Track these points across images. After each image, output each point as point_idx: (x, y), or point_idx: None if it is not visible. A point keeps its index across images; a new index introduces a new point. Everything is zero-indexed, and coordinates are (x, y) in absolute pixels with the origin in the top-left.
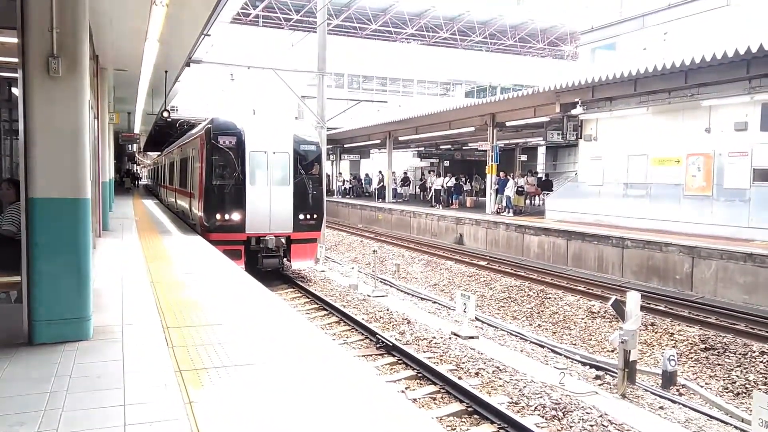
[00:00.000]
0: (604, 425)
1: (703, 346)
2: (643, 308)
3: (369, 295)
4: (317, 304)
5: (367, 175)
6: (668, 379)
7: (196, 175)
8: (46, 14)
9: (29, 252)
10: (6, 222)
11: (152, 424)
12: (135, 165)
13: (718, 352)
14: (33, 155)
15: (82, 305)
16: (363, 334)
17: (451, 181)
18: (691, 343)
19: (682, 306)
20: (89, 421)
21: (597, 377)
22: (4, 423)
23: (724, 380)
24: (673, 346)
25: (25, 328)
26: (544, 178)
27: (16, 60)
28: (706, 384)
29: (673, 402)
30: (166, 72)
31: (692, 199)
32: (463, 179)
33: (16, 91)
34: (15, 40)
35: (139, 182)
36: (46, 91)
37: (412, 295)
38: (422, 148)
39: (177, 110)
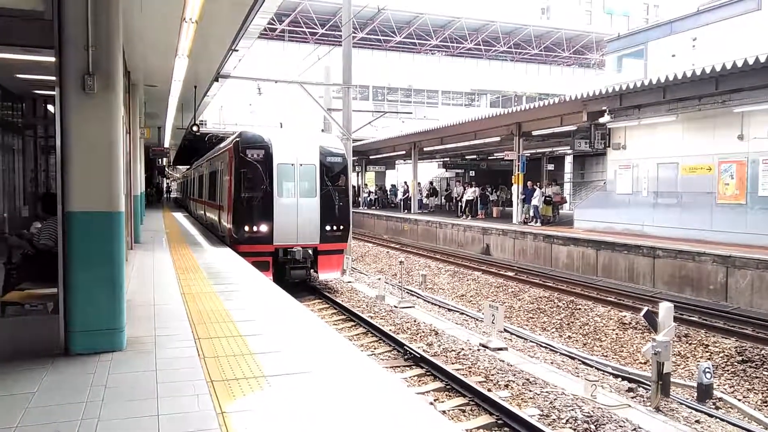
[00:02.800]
0: None
1: (740, 358)
2: (676, 319)
3: (396, 306)
4: (344, 315)
5: (393, 185)
6: (704, 392)
7: (225, 188)
8: (82, 34)
9: (65, 264)
10: (44, 236)
11: None
12: (164, 178)
13: (756, 365)
14: (69, 170)
15: (117, 316)
16: (390, 345)
17: (477, 192)
18: (727, 355)
19: (717, 317)
20: (124, 430)
21: (630, 390)
22: (45, 429)
23: (763, 393)
24: (709, 358)
25: (61, 338)
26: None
27: (52, 78)
28: (744, 398)
29: (710, 416)
30: (195, 87)
31: (725, 208)
32: (489, 189)
33: (52, 108)
34: (51, 59)
35: (165, 195)
36: (82, 108)
37: (440, 306)
38: (447, 159)
39: (206, 124)
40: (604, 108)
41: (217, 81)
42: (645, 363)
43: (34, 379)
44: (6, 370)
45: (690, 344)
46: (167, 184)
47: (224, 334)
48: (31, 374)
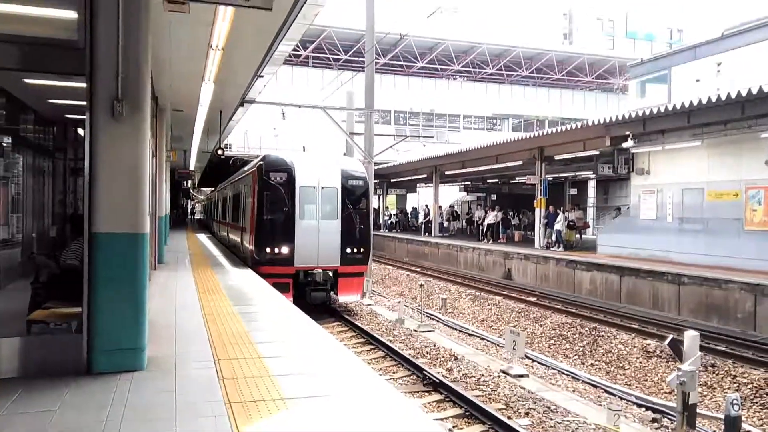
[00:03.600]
0: None
1: None
2: (702, 348)
3: (415, 330)
4: (364, 338)
5: (414, 208)
6: (731, 425)
7: (248, 210)
8: (113, 62)
9: (90, 284)
10: (70, 256)
11: None
12: (189, 200)
13: None
14: (96, 192)
15: (139, 336)
16: (409, 370)
17: (499, 215)
18: (756, 387)
19: (745, 347)
20: None
21: (654, 420)
22: None
23: None
24: (737, 389)
25: (84, 357)
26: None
27: (83, 103)
28: None
29: None
30: (220, 111)
31: (753, 234)
32: (511, 213)
33: (82, 132)
34: (82, 85)
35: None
36: (111, 132)
37: (460, 331)
38: (468, 182)
39: (230, 148)
40: (627, 133)
41: (242, 106)
42: (670, 393)
43: (56, 397)
44: (30, 387)
45: (717, 374)
46: (191, 205)
47: (244, 355)
48: (53, 392)
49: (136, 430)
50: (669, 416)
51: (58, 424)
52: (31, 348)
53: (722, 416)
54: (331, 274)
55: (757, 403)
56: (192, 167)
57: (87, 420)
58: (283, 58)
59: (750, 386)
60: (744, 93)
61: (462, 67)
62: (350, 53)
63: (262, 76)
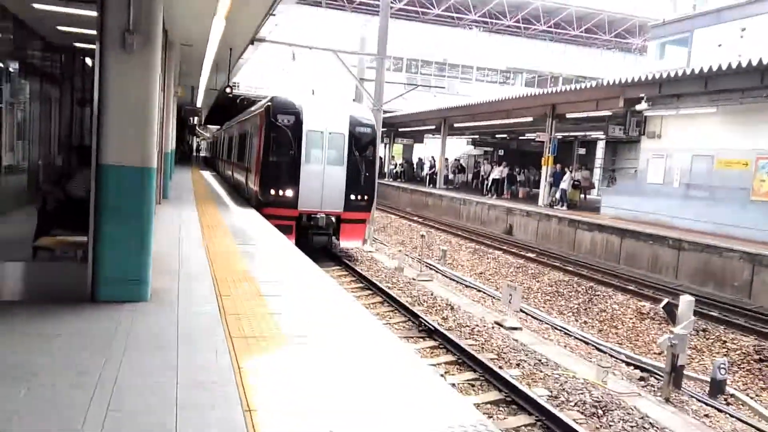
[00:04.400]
0: (644, 427)
1: (757, 357)
2: (695, 313)
3: (414, 279)
4: (362, 283)
5: (420, 159)
6: (717, 388)
7: (254, 151)
8: None
9: (96, 215)
10: (77, 186)
11: (202, 385)
12: (195, 137)
13: None
14: (105, 125)
15: (143, 268)
16: (406, 316)
17: (505, 171)
18: (744, 353)
19: (738, 314)
20: (144, 378)
21: (641, 378)
22: (68, 371)
23: None
24: (725, 355)
25: (88, 286)
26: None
27: (93, 32)
28: (756, 396)
29: (720, 411)
30: (231, 49)
31: (759, 205)
32: (517, 170)
33: (91, 61)
34: (92, 14)
35: (195, 154)
36: (121, 64)
37: (458, 282)
38: (477, 136)
39: (238, 87)
40: (642, 95)
41: (253, 44)
42: (659, 354)
43: (61, 322)
44: (35, 311)
45: (707, 339)
46: (197, 143)
47: (245, 293)
48: (58, 317)
49: (138, 359)
50: (656, 375)
51: (63, 348)
52: (36, 273)
53: (708, 379)
54: (333, 219)
55: (743, 368)
56: (199, 104)
57: (90, 347)
58: None
59: (738, 352)
60: (765, 61)
61: (478, 17)
62: None
63: (274, 15)
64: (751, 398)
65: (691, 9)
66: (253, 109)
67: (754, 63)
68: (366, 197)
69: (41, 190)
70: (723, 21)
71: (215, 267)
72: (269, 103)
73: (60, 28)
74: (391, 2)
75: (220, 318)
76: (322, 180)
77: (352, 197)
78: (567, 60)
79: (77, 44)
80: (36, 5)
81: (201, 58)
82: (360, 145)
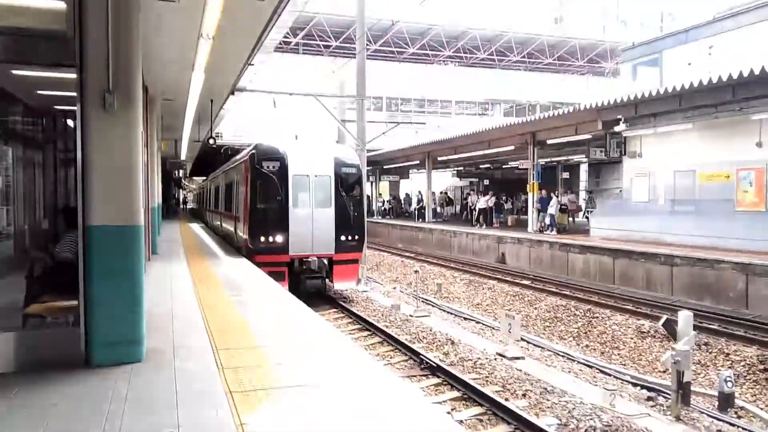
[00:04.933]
0: None
1: (762, 366)
2: (695, 327)
3: (411, 316)
4: (360, 324)
5: (407, 194)
6: (725, 401)
7: (241, 199)
8: (103, 53)
9: (86, 277)
10: (64, 249)
11: None
12: (181, 190)
13: None
14: (90, 185)
15: (136, 328)
16: (407, 355)
17: (491, 200)
18: (748, 364)
19: (738, 325)
20: None
21: (649, 398)
22: None
23: None
24: (730, 367)
25: (82, 350)
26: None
27: (72, 94)
28: (767, 406)
29: (732, 425)
30: (211, 100)
31: (744, 215)
32: (504, 198)
33: (72, 123)
34: (71, 76)
35: (182, 207)
36: (102, 124)
37: (455, 315)
38: (461, 168)
39: (222, 137)
40: (619, 117)
41: (233, 94)
42: (664, 372)
43: (55, 391)
44: (29, 381)
45: (710, 353)
46: (183, 195)
47: (242, 345)
48: (53, 385)
49: (137, 422)
50: (664, 394)
51: (59, 418)
52: (27, 342)
53: (716, 393)
54: (326, 261)
55: (750, 379)
56: (183, 157)
57: (88, 413)
58: (274, 46)
59: (743, 363)
60: (735, 75)
61: (453, 52)
62: (341, 39)
63: (253, 65)
64: (762, 409)
65: (659, 31)
66: (237, 157)
67: (725, 78)
68: (356, 237)
69: (28, 256)
70: (690, 40)
71: (209, 320)
72: (253, 151)
73: (41, 92)
74: (367, 44)
75: (218, 372)
76: (311, 223)
77: (343, 238)
78: (543, 88)
79: (58, 107)
80: (15, 72)
81: (182, 111)
82: (346, 185)
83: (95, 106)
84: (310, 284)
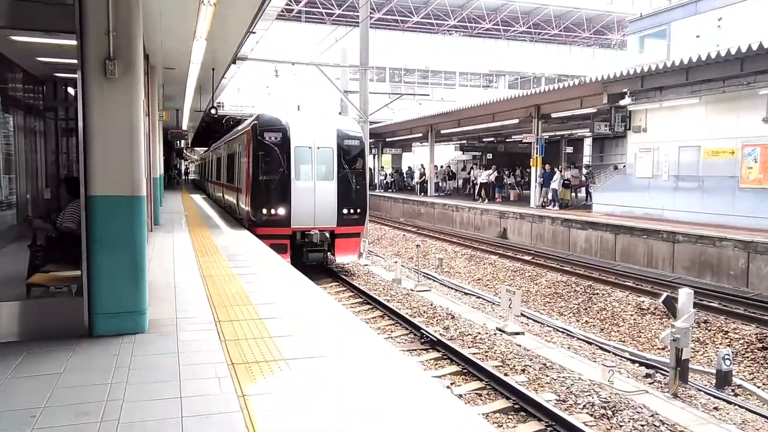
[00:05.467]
0: (655, 425)
1: (760, 345)
2: (695, 305)
3: (412, 290)
4: (361, 297)
5: (409, 168)
6: (723, 379)
7: (242, 171)
8: (103, 19)
9: (88, 247)
10: (66, 219)
11: (208, 416)
12: (182, 160)
13: None
14: (91, 155)
15: (139, 299)
16: (407, 329)
17: (494, 175)
18: (747, 342)
19: (738, 303)
20: (148, 412)
21: (647, 375)
22: (69, 412)
23: None
24: (728, 345)
25: (85, 320)
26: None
27: (73, 61)
28: (764, 385)
29: (729, 403)
30: (213, 69)
31: (748, 192)
32: (506, 172)
33: (73, 91)
34: (73, 43)
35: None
36: (103, 92)
37: (456, 290)
38: (464, 141)
39: (223, 106)
40: (625, 90)
41: (235, 63)
42: (663, 349)
43: (59, 361)
44: (32, 351)
45: (709, 330)
46: (185, 165)
47: (244, 317)
48: (56, 355)
49: (140, 392)
50: (662, 371)
51: (63, 387)
52: (31, 311)
53: (714, 371)
54: (327, 234)
55: (747, 357)
56: (185, 127)
57: (92, 383)
58: (276, 13)
59: (741, 342)
60: (744, 49)
61: (458, 22)
62: (344, 7)
63: (255, 32)
64: (759, 387)
65: (667, 2)
66: (239, 128)
67: (733, 52)
68: (359, 210)
69: (31, 226)
70: (699, 12)
71: (211, 292)
72: (255, 122)
73: (40, 59)
74: (370, 13)
75: (220, 344)
76: (313, 196)
77: (345, 211)
78: (548, 59)
79: (59, 74)
80: (14, 38)
81: (184, 80)
82: (349, 158)
83: (96, 74)
84: (312, 257)
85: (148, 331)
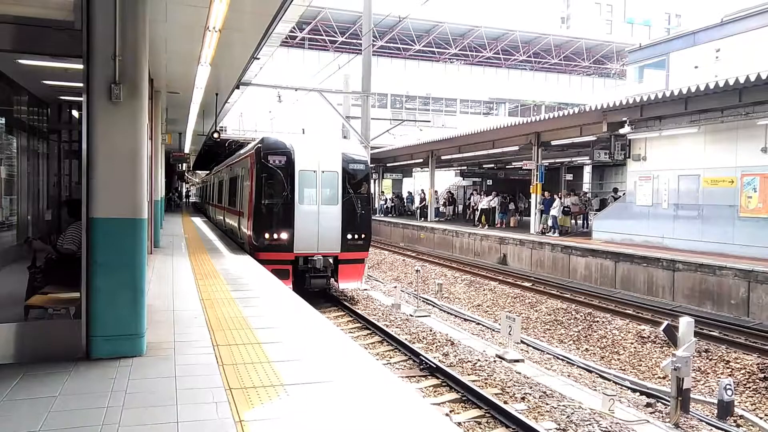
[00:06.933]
0: None
1: (762, 375)
2: (696, 334)
3: (412, 315)
4: (360, 323)
5: (409, 193)
6: (725, 410)
7: (245, 194)
8: (110, 44)
9: (88, 269)
10: (67, 241)
11: None
12: (184, 183)
13: None
14: (94, 177)
15: (138, 322)
16: (406, 355)
17: (495, 201)
18: (749, 372)
19: (739, 332)
20: None
21: (648, 405)
22: None
23: None
24: (730, 375)
25: (83, 343)
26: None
27: (79, 85)
28: (766, 416)
29: None
30: (216, 94)
31: (747, 221)
32: (507, 198)
33: (77, 114)
34: (78, 67)
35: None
36: (108, 115)
37: (456, 316)
38: (465, 167)
39: (226, 130)
40: (624, 119)
41: (238, 88)
42: (664, 378)
43: (56, 383)
44: (29, 373)
45: (710, 360)
46: (186, 188)
47: (243, 341)
48: (53, 378)
49: (136, 416)
50: (663, 401)
51: (59, 411)
52: (29, 333)
53: (716, 401)
54: (331, 260)
55: (749, 388)
56: (187, 150)
57: (88, 406)
58: (280, 40)
59: (743, 371)
60: (742, 80)
61: (459, 50)
62: (347, 35)
63: (259, 58)
64: (761, 418)
65: (666, 33)
66: (242, 151)
67: (732, 83)
68: (363, 236)
69: (31, 247)
70: (698, 43)
71: (210, 316)
72: (259, 145)
73: (46, 82)
74: (373, 40)
75: (218, 368)
76: (317, 221)
77: (349, 236)
78: (548, 88)
79: (64, 97)
80: (21, 61)
81: (187, 104)
82: (354, 182)
83: (101, 98)
84: (315, 283)
85: (146, 354)
